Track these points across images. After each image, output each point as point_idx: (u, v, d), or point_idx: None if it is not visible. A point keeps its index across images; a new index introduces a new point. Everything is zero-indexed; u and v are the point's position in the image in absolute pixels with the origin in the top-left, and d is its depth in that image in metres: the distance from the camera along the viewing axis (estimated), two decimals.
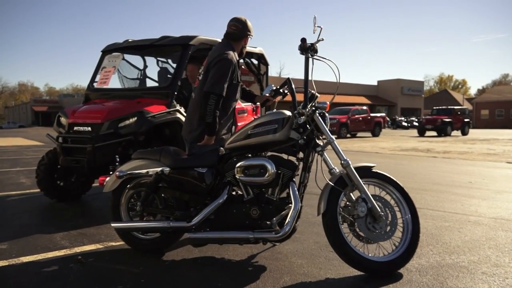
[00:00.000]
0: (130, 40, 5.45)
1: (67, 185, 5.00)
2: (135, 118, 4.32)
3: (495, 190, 5.75)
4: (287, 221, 2.63)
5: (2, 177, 7.21)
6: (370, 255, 2.71)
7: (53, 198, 4.93)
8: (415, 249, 2.73)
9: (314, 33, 2.74)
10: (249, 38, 3.29)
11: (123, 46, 5.43)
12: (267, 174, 2.69)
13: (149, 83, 5.86)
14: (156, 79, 5.78)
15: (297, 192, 2.68)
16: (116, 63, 5.39)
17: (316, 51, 2.79)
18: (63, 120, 4.78)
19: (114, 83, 5.48)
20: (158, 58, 5.97)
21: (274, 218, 2.69)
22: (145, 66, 5.83)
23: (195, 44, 4.89)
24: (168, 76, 5.51)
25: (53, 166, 4.84)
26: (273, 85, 3.37)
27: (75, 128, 4.55)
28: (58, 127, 4.83)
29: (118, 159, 3.26)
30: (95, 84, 5.41)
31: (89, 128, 4.45)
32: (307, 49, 2.77)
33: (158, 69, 5.83)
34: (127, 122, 4.34)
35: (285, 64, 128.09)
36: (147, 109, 4.42)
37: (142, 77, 5.80)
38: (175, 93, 4.69)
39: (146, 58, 5.88)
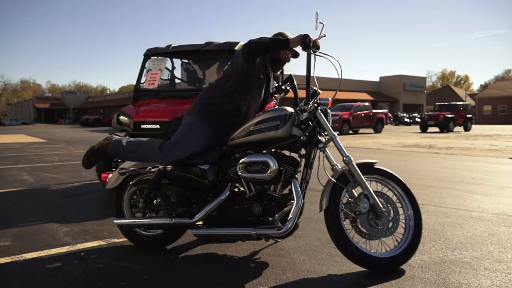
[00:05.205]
0: (173, 45, 5.86)
1: None
2: None
3: (498, 186, 5.74)
4: (289, 217, 2.63)
5: (4, 174, 7.24)
6: (372, 251, 2.72)
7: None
8: (417, 245, 2.72)
9: (316, 29, 2.73)
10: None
11: (169, 51, 5.82)
12: (269, 171, 2.69)
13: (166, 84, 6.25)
14: (185, 79, 6.30)
15: (299, 189, 2.68)
16: (162, 65, 5.84)
17: (318, 47, 2.78)
18: (123, 118, 5.08)
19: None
20: (183, 60, 6.33)
21: (276, 215, 2.69)
22: (173, 68, 6.16)
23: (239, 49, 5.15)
24: (197, 77, 6.07)
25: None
26: (275, 82, 3.36)
27: (142, 126, 4.84)
28: (120, 126, 5.13)
29: None
30: (142, 85, 5.76)
31: (157, 126, 4.74)
32: (309, 45, 2.76)
33: (183, 70, 6.31)
34: None
35: None
36: None
37: (171, 78, 6.15)
38: None
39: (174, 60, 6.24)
